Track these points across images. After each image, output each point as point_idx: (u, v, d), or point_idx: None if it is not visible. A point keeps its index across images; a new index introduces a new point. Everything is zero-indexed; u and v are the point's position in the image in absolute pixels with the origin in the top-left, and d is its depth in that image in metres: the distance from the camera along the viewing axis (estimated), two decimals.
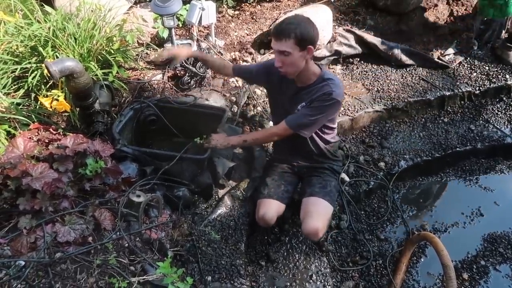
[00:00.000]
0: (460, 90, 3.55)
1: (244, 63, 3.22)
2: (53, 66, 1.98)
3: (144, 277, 1.65)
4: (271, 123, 2.95)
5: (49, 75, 2.05)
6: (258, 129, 2.92)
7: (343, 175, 2.83)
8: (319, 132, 2.20)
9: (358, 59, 3.75)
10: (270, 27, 3.60)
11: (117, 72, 2.74)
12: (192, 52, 2.56)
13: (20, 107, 2.36)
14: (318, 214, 2.15)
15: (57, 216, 1.73)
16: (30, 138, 1.95)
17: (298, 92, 2.11)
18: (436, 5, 3.96)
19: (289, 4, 4.09)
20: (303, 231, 2.15)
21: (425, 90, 3.51)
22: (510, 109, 3.59)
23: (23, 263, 1.57)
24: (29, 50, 2.55)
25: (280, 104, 2.24)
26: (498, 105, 3.62)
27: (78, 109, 2.39)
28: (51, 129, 2.08)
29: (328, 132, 2.26)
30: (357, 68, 3.71)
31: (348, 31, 3.68)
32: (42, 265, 1.58)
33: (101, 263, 1.64)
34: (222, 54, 3.24)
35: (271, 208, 2.20)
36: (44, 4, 2.86)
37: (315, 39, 1.92)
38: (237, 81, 3.08)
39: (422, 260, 2.60)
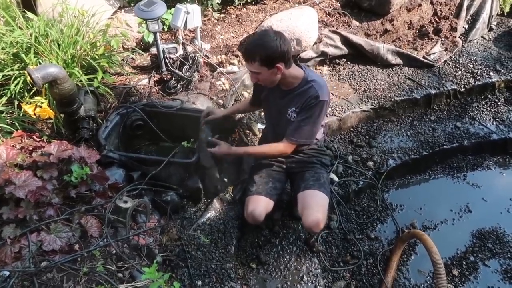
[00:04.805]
0: (445, 88, 3.59)
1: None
2: (36, 72, 1.95)
3: (132, 283, 1.62)
4: (259, 125, 2.94)
5: (32, 82, 2.03)
6: (246, 132, 2.91)
7: (332, 175, 2.84)
8: None
9: (345, 59, 3.77)
10: (256, 30, 3.60)
11: (102, 78, 2.71)
12: (224, 112, 2.59)
13: (3, 115, 2.32)
14: (317, 205, 2.13)
15: (42, 224, 1.71)
16: (13, 146, 1.92)
17: (285, 96, 2.13)
18: (420, 5, 4.01)
19: (274, 7, 4.10)
20: (304, 224, 2.10)
21: (412, 89, 3.54)
22: (495, 106, 3.64)
23: (7, 273, 1.54)
24: (11, 57, 2.51)
25: (271, 108, 2.26)
26: (483, 102, 3.67)
27: (62, 115, 2.36)
28: (34, 137, 2.05)
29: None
30: (344, 68, 3.73)
31: (333, 32, 3.70)
32: (28, 275, 1.55)
33: (88, 270, 1.61)
34: (208, 58, 3.23)
35: (260, 205, 2.17)
36: (26, 11, 2.83)
37: (285, 54, 1.92)
38: (224, 84, 3.07)
39: (413, 258, 2.61)
